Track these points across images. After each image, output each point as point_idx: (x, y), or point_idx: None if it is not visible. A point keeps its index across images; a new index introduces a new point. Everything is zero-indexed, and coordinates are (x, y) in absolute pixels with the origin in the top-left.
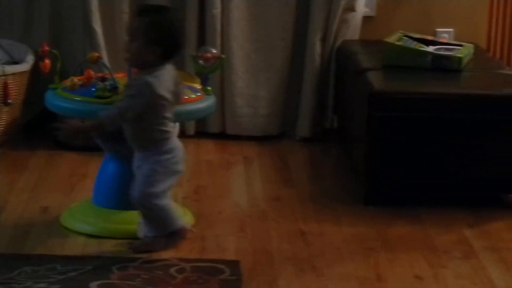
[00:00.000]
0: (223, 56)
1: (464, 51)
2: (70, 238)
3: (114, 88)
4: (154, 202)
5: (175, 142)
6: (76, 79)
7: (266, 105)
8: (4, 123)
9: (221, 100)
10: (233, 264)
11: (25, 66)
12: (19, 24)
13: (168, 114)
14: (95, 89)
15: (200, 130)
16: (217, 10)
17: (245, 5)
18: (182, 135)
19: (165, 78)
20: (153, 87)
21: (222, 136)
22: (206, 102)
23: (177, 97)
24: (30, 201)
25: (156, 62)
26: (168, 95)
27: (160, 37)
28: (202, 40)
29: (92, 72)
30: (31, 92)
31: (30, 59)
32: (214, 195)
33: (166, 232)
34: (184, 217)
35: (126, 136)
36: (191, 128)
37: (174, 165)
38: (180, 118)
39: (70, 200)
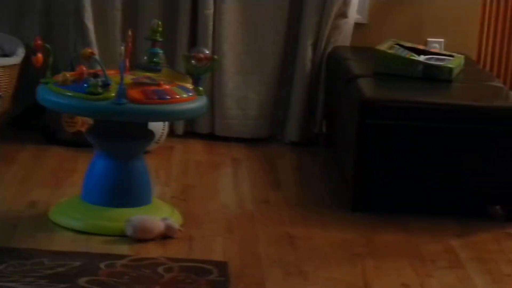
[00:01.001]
0: (216, 57)
1: (455, 62)
2: (58, 233)
3: (106, 85)
4: None
5: None
6: (68, 74)
7: (255, 108)
8: None
9: (211, 101)
10: (221, 265)
11: (15, 59)
12: (10, 16)
13: None
14: (87, 85)
15: (189, 130)
16: (209, 11)
17: (237, 6)
18: (171, 134)
19: None
20: None
21: (210, 137)
22: (198, 103)
23: None
24: (18, 195)
25: None
26: None
27: None
28: (194, 40)
29: (84, 68)
30: (21, 86)
31: (20, 52)
32: (202, 196)
33: None
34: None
35: None
36: (180, 128)
37: None
38: (172, 117)
39: (58, 195)
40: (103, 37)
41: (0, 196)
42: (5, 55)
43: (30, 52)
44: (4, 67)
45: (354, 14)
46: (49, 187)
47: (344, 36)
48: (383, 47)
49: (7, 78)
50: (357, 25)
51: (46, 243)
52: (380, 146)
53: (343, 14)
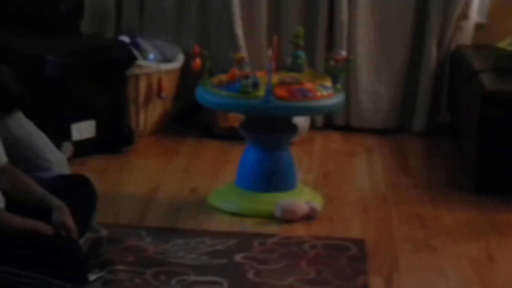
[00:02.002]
0: (353, 58)
1: None
2: (216, 216)
3: (256, 85)
4: None
5: None
6: (223, 77)
7: (386, 102)
8: (157, 114)
9: (347, 96)
10: (359, 243)
11: (176, 64)
12: (171, 27)
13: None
14: (239, 86)
15: (327, 122)
16: (344, 16)
17: (369, 12)
18: (312, 127)
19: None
20: None
21: (347, 128)
22: (336, 99)
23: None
24: (181, 182)
25: None
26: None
27: None
28: (330, 44)
29: (236, 71)
30: (181, 87)
31: (180, 58)
32: (340, 181)
33: None
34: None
35: None
36: (319, 121)
37: None
38: (313, 112)
39: (216, 182)
40: (252, 43)
41: (166, 182)
42: (167, 61)
43: (189, 57)
44: (167, 71)
45: (475, 15)
46: (207, 175)
47: (466, 36)
48: (503, 44)
49: (169, 81)
50: (478, 25)
51: (206, 224)
52: (500, 134)
53: (464, 16)
